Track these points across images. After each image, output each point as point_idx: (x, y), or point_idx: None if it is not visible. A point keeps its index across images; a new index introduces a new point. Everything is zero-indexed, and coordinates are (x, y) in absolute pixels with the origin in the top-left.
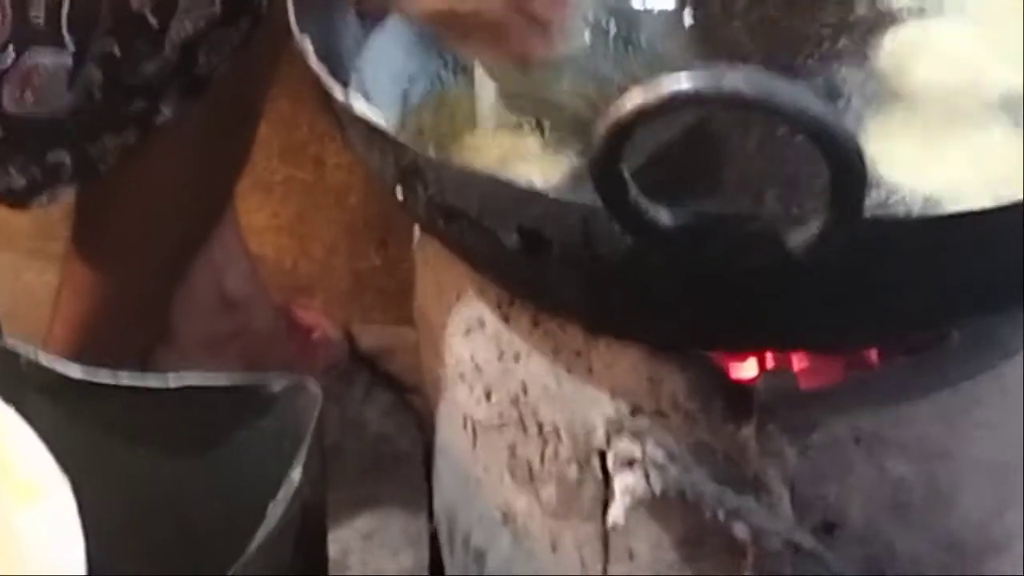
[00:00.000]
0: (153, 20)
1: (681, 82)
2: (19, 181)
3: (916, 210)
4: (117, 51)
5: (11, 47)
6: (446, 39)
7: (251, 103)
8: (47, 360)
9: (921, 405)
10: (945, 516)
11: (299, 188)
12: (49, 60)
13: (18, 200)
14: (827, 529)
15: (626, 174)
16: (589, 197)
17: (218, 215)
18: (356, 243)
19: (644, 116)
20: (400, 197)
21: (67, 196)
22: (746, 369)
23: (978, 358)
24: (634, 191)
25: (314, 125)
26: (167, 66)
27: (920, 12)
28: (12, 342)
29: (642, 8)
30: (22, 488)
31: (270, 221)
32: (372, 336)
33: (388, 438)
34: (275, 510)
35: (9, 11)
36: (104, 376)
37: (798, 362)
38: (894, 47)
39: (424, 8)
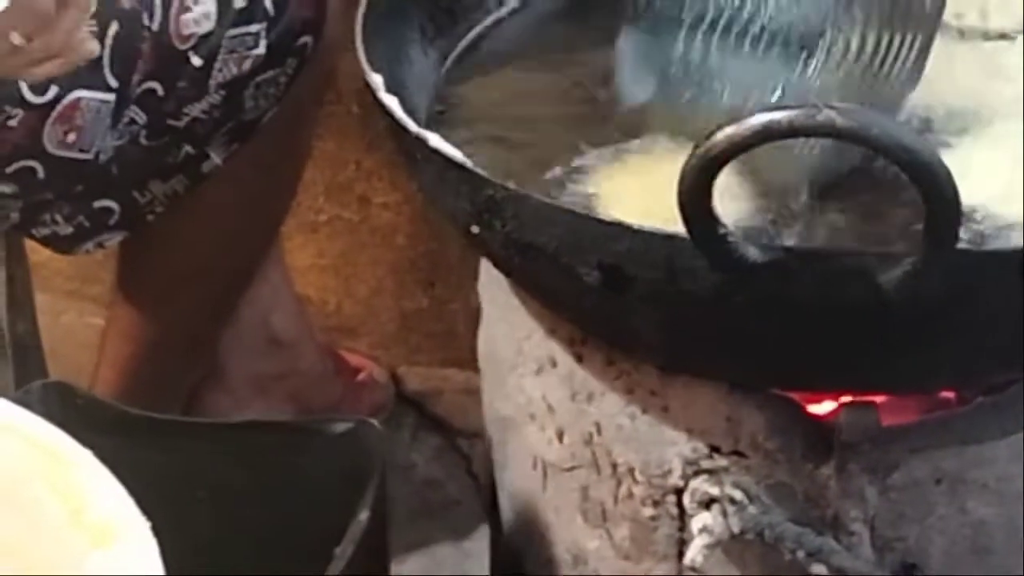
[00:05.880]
0: (196, 60)
1: (774, 114)
2: (65, 229)
3: (1005, 241)
4: (160, 90)
5: (53, 86)
6: None
7: (298, 144)
8: (105, 398)
9: (1001, 446)
10: None
11: (344, 228)
12: (91, 99)
13: (63, 247)
14: (907, 571)
15: (717, 209)
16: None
17: (264, 255)
18: (402, 283)
19: (737, 149)
20: (475, 233)
21: (113, 243)
22: (825, 405)
23: None
24: (724, 226)
25: (360, 164)
26: (213, 109)
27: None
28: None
29: None
30: (96, 530)
31: (315, 261)
32: (419, 378)
33: (437, 482)
34: (344, 552)
35: None
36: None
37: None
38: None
39: None
